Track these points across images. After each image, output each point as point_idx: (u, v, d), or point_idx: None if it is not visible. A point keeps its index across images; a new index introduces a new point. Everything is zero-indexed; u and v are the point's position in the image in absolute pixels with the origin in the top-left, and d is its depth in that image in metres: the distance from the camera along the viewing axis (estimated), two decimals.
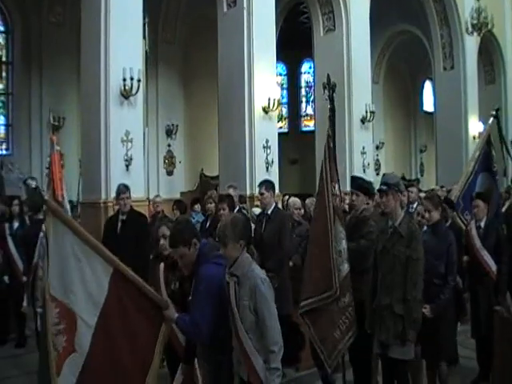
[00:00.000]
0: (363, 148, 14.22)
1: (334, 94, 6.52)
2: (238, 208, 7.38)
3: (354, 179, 5.98)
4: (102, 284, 3.74)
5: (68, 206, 5.12)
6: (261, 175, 11.19)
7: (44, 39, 16.67)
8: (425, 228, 5.81)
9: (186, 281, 4.24)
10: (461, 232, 6.76)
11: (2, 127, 17.48)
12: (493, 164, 7.94)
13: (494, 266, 6.13)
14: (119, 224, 7.10)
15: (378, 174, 20.02)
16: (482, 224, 6.39)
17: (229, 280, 3.75)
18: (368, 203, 5.85)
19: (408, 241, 4.80)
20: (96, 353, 3.62)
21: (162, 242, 4.80)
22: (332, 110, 6.15)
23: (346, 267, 5.19)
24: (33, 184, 12.30)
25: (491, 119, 8.41)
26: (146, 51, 11.72)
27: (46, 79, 16.49)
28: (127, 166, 10.21)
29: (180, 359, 4.33)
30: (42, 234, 8.00)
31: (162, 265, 4.82)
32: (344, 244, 5.22)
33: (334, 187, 5.34)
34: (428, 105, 26.48)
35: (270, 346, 3.64)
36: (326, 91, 6.46)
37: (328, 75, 6.44)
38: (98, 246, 3.85)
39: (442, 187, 12.97)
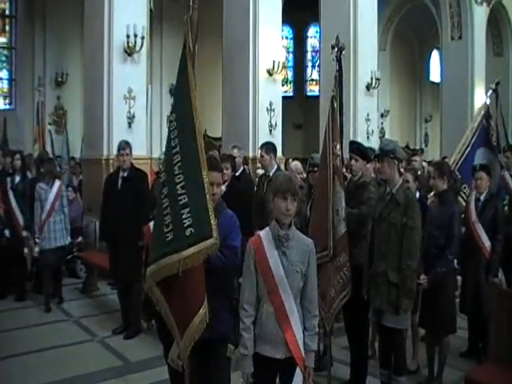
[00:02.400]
0: (368, 115, 14.11)
1: (342, 57, 6.45)
2: (242, 168, 7.35)
3: (352, 143, 5.85)
4: None
5: None
6: (264, 138, 11.13)
7: None
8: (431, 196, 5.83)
9: None
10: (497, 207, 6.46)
11: (6, 81, 17.39)
12: (492, 139, 7.85)
13: (486, 242, 6.05)
14: (120, 181, 7.08)
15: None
16: (482, 197, 6.27)
17: (278, 245, 3.56)
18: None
19: (404, 208, 4.74)
20: None
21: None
22: (339, 72, 6.07)
23: (342, 227, 5.14)
24: None
25: (490, 92, 8.28)
26: (150, 9, 11.59)
27: (49, 34, 16.33)
28: (129, 124, 10.21)
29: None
30: (38, 186, 8.29)
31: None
32: (342, 203, 5.16)
33: (336, 147, 5.29)
34: (434, 74, 26.26)
35: (315, 311, 3.66)
36: (334, 52, 6.37)
37: (337, 36, 6.35)
38: None
39: (444, 158, 12.91)
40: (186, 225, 3.42)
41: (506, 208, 7.37)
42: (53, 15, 16.26)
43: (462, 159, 7.74)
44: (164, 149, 3.79)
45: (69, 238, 8.48)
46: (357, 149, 5.60)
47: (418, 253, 4.77)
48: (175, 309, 3.53)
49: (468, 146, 7.81)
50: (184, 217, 3.43)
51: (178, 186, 3.49)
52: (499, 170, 7.82)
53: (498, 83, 8.28)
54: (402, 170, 5.76)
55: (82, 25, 11.89)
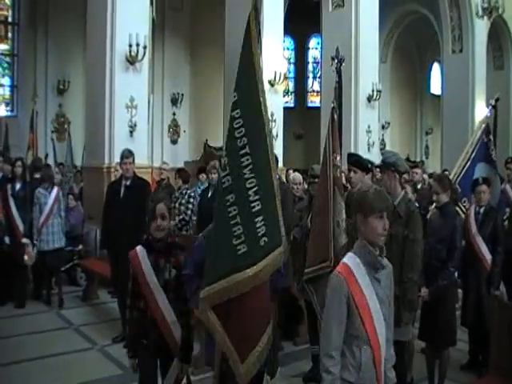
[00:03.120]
0: (368, 127, 14.17)
1: (342, 69, 6.49)
2: None
3: (351, 156, 5.87)
4: None
5: None
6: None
7: (51, 1, 16.54)
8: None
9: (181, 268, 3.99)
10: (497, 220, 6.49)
11: (8, 88, 17.42)
12: (492, 154, 7.86)
13: (487, 254, 6.06)
14: (122, 189, 7.08)
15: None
16: (482, 210, 6.27)
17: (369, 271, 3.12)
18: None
19: (406, 221, 4.72)
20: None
21: (159, 222, 3.95)
22: (338, 83, 6.11)
23: (343, 238, 5.09)
24: None
25: (490, 108, 8.33)
26: (152, 18, 11.66)
27: (51, 41, 16.39)
28: (131, 132, 10.26)
29: (172, 358, 3.98)
30: (37, 191, 8.60)
31: (139, 249, 4.06)
32: (343, 215, 5.11)
33: (336, 158, 5.25)
34: (435, 87, 26.33)
35: (392, 337, 3.33)
36: (334, 63, 6.40)
37: (337, 48, 6.40)
38: None
39: (445, 171, 12.94)
40: (260, 234, 3.19)
41: (506, 222, 7.39)
42: (55, 23, 16.33)
43: (463, 173, 7.77)
44: (225, 151, 3.38)
45: (64, 240, 8.90)
46: (356, 161, 5.64)
47: (420, 265, 4.76)
48: (235, 334, 3.23)
49: (468, 160, 7.84)
50: (258, 225, 3.19)
51: (251, 192, 3.21)
52: (499, 185, 7.87)
53: (497, 99, 8.33)
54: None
55: (85, 33, 11.95)
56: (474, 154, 7.84)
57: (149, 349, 3.98)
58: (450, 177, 7.86)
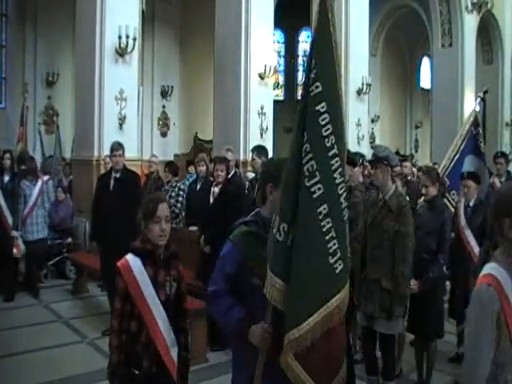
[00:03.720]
0: (358, 120, 14.20)
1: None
2: (233, 171, 7.36)
3: None
4: None
5: None
6: (255, 141, 11.14)
7: None
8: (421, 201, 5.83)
9: (182, 280, 3.52)
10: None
11: None
12: (481, 146, 7.88)
13: (475, 247, 6.09)
14: (112, 182, 7.07)
15: (372, 148, 20.05)
16: (471, 204, 6.34)
17: None
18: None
19: (397, 215, 4.74)
20: None
21: (163, 225, 3.36)
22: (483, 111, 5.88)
23: None
24: None
25: (478, 100, 8.34)
26: (142, 10, 11.60)
27: (40, 33, 16.22)
28: (121, 125, 10.22)
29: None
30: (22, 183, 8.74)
31: (132, 259, 3.45)
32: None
33: None
34: (425, 81, 26.38)
35: None
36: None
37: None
38: None
39: (434, 164, 12.99)
40: (348, 248, 2.76)
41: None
42: (44, 14, 16.15)
43: (452, 166, 7.77)
44: (310, 153, 2.72)
45: (47, 231, 9.13)
46: None
47: (411, 259, 4.77)
48: (316, 375, 2.71)
49: (457, 152, 7.83)
50: (348, 238, 2.76)
51: (342, 199, 2.73)
52: (488, 177, 7.90)
53: (485, 92, 8.35)
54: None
55: (74, 24, 11.88)
56: (462, 147, 7.83)
57: (141, 381, 3.29)
58: (439, 170, 7.91)
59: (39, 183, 8.95)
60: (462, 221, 6.28)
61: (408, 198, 6.32)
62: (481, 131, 7.99)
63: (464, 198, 6.44)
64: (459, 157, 7.80)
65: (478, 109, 8.21)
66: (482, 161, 7.86)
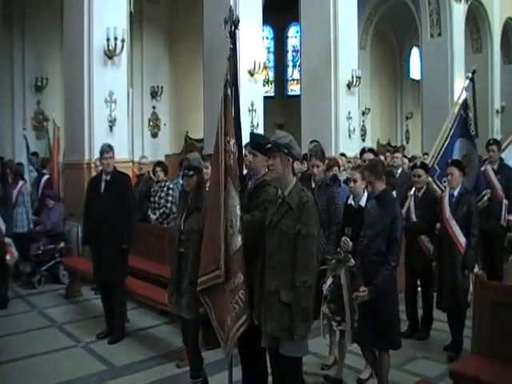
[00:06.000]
0: (349, 113, 14.16)
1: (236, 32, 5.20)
2: None
3: (250, 136, 4.99)
4: None
5: None
6: (245, 138, 11.08)
7: None
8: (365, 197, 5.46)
9: None
10: (436, 199, 6.74)
11: None
12: (471, 128, 7.80)
13: (461, 238, 6.05)
14: (103, 184, 7.04)
15: (363, 140, 20.10)
16: (456, 192, 6.26)
17: None
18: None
19: (298, 213, 3.97)
20: None
21: None
22: (233, 50, 4.87)
23: (238, 241, 4.31)
24: None
25: (467, 82, 8.27)
26: (130, 11, 11.56)
27: (28, 38, 16.10)
28: (111, 127, 10.19)
29: None
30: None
31: None
32: (237, 212, 4.35)
33: (229, 142, 4.42)
34: (415, 72, 26.41)
35: None
36: (227, 28, 5.07)
37: (230, 8, 5.10)
38: None
39: (425, 154, 13.01)
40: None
41: (486, 199, 7.46)
42: (32, 18, 16.05)
43: (441, 153, 7.69)
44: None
45: (26, 227, 9.89)
46: (254, 142, 4.75)
47: (316, 266, 4.10)
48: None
49: (446, 139, 7.74)
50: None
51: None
52: (477, 162, 7.88)
53: (474, 72, 8.30)
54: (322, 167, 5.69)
55: (62, 28, 11.83)
56: (452, 132, 7.77)
57: None
58: (428, 160, 7.87)
59: (19, 184, 9.89)
60: (447, 211, 6.21)
61: (394, 192, 6.31)
62: (470, 114, 7.88)
63: (449, 187, 6.40)
64: (449, 142, 7.71)
65: (466, 94, 8.09)
66: (472, 144, 7.83)
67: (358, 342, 5.14)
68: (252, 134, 5.27)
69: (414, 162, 9.07)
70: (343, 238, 5.14)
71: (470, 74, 8.24)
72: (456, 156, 7.48)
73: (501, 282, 6.89)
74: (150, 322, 7.58)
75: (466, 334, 5.92)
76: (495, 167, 8.46)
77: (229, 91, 4.62)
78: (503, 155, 9.00)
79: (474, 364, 4.66)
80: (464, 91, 8.03)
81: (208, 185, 4.85)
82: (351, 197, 5.69)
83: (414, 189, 6.95)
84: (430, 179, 7.17)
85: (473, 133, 7.82)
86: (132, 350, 6.49)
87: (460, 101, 7.92)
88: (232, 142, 4.43)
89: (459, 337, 6.19)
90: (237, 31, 4.99)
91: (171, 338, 6.80)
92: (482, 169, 8.44)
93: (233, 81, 4.73)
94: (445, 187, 7.10)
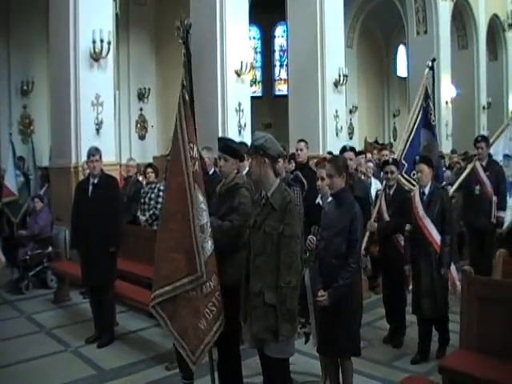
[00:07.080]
0: (336, 112, 14.16)
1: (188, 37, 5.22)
2: (213, 170, 7.30)
3: (219, 140, 5.03)
4: None
5: None
6: (233, 138, 11.09)
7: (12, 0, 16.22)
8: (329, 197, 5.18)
9: None
10: (407, 195, 6.55)
11: None
12: (431, 118, 7.81)
13: (437, 237, 5.90)
14: (90, 187, 7.01)
15: (351, 138, 20.10)
16: (427, 190, 6.08)
17: None
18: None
19: (281, 214, 3.98)
20: None
21: None
22: (186, 56, 5.09)
23: (210, 245, 4.40)
24: None
25: (426, 70, 8.24)
26: (116, 13, 11.51)
27: (13, 42, 16.00)
28: (98, 130, 10.14)
29: None
30: None
31: None
32: (205, 217, 4.42)
33: (192, 149, 4.46)
34: (401, 69, 26.51)
35: None
36: (180, 33, 5.24)
37: (180, 14, 5.22)
38: None
39: None
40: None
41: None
42: (16, 22, 15.95)
43: (408, 147, 7.55)
44: None
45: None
46: (225, 146, 4.85)
47: (300, 266, 4.09)
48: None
49: (411, 132, 7.63)
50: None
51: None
52: (437, 150, 7.85)
53: (433, 60, 8.34)
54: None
55: (47, 31, 11.75)
56: (416, 124, 7.67)
57: None
58: (395, 154, 7.85)
59: None
60: (420, 211, 6.01)
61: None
62: (431, 104, 7.88)
63: (418, 185, 6.29)
64: (414, 135, 7.63)
65: (426, 81, 8.05)
66: (433, 134, 7.84)
67: (321, 353, 5.04)
68: (221, 139, 5.37)
69: (384, 159, 9.06)
70: (309, 237, 5.12)
71: (429, 63, 8.24)
72: (420, 147, 7.48)
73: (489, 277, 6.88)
74: (140, 325, 7.56)
75: (453, 329, 5.91)
76: (484, 164, 8.50)
77: (187, 96, 4.68)
78: (491, 150, 9.02)
79: (463, 359, 4.70)
80: (424, 81, 8.01)
81: (166, 193, 4.79)
82: (319, 196, 5.64)
83: (383, 187, 6.84)
84: (399, 176, 7.00)
85: (434, 123, 7.83)
86: (121, 354, 6.47)
87: (421, 90, 7.87)
88: (195, 148, 4.50)
89: (444, 335, 6.20)
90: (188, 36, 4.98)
91: (160, 341, 6.77)
92: (471, 166, 8.50)
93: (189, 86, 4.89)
94: (414, 180, 7.00)
